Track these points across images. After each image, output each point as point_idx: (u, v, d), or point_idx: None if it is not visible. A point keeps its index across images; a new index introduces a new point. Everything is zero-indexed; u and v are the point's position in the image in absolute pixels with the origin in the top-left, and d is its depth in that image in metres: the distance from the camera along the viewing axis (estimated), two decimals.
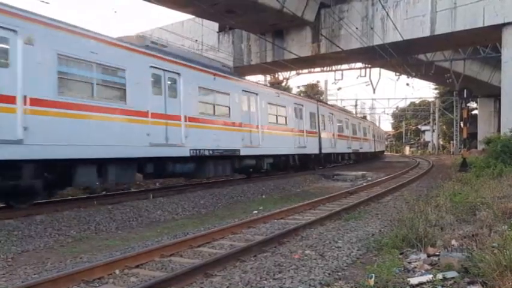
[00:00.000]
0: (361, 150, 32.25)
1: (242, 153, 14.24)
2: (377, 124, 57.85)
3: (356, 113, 51.84)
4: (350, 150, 28.60)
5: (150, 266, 5.52)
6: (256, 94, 15.57)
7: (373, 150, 38.81)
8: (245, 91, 14.89)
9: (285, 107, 17.95)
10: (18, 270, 5.50)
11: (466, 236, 5.57)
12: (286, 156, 18.34)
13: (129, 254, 5.74)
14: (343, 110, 31.95)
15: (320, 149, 21.56)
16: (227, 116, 13.69)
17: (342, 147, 26.16)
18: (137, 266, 5.44)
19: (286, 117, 17.96)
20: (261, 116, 15.69)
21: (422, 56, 30.61)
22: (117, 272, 5.18)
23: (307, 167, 20.97)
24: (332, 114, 24.61)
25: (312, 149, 20.51)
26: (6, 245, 6.67)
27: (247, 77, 22.98)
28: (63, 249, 6.77)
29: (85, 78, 9.00)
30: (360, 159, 32.89)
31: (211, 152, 12.57)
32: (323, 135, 22.13)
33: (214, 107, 13.07)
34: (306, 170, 20.49)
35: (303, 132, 19.46)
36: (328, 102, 34.48)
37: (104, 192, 12.37)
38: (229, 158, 13.91)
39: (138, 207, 9.85)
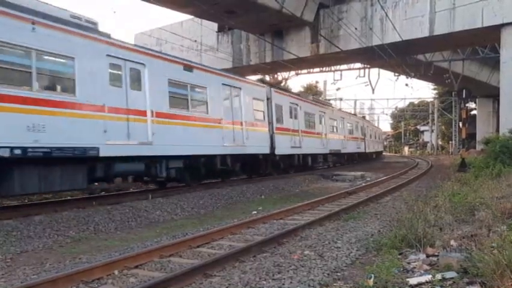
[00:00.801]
0: (344, 151, 27.35)
1: (105, 153, 9.35)
2: (375, 124, 57.74)
3: (355, 113, 50.61)
4: (326, 151, 23.49)
5: (149, 267, 5.52)
6: (143, 65, 10.65)
7: (362, 150, 33.80)
8: (118, 58, 9.96)
9: (204, 87, 12.94)
10: (17, 270, 5.49)
11: (465, 236, 5.58)
12: (210, 157, 13.26)
13: (128, 255, 5.73)
14: (317, 101, 25.63)
15: (273, 148, 16.73)
16: (68, 93, 8.78)
17: (311, 146, 21.13)
18: (136, 267, 5.43)
19: (207, 103, 13.01)
20: (151, 98, 10.73)
21: (421, 56, 30.68)
22: (116, 272, 5.17)
23: (256, 172, 17.04)
24: (296, 105, 19.63)
25: (256, 147, 15.59)
26: (5, 245, 6.66)
27: (247, 77, 22.41)
28: (62, 249, 6.76)
29: None
30: (342, 161, 28.44)
31: (19, 151, 7.68)
32: (278, 130, 17.28)
33: (32, 75, 8.04)
34: (256, 175, 16.81)
35: (240, 124, 14.55)
36: (327, 103, 33.90)
37: (103, 193, 12.37)
38: (79, 162, 9.15)
39: (137, 207, 9.84)
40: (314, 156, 21.98)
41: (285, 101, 18.72)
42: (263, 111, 16.37)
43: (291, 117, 18.94)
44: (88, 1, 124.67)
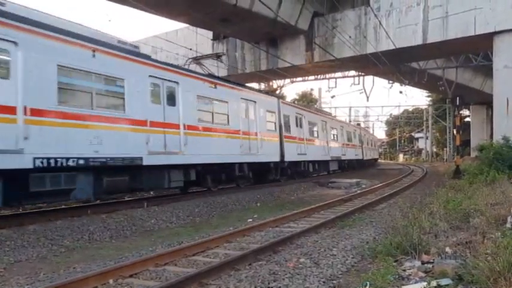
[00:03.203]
0: (223, 160, 13.99)
1: None
2: (371, 131, 57.73)
3: (350, 121, 49.45)
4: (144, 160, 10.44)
5: (145, 276, 5.49)
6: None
7: (302, 158, 20.90)
8: None
9: None
10: (11, 280, 5.44)
11: (459, 243, 5.61)
12: None
13: (123, 264, 5.70)
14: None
15: None
16: None
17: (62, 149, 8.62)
18: (131, 276, 5.40)
19: None
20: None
21: (415, 64, 30.92)
22: (111, 281, 5.14)
23: None
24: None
25: None
26: None
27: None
28: (56, 259, 6.71)
29: None
30: (214, 180, 14.28)
31: None
32: None
33: None
34: None
35: None
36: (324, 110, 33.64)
37: (98, 201, 12.30)
38: None
39: (133, 216, 9.80)
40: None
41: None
42: None
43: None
44: (83, 10, 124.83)
